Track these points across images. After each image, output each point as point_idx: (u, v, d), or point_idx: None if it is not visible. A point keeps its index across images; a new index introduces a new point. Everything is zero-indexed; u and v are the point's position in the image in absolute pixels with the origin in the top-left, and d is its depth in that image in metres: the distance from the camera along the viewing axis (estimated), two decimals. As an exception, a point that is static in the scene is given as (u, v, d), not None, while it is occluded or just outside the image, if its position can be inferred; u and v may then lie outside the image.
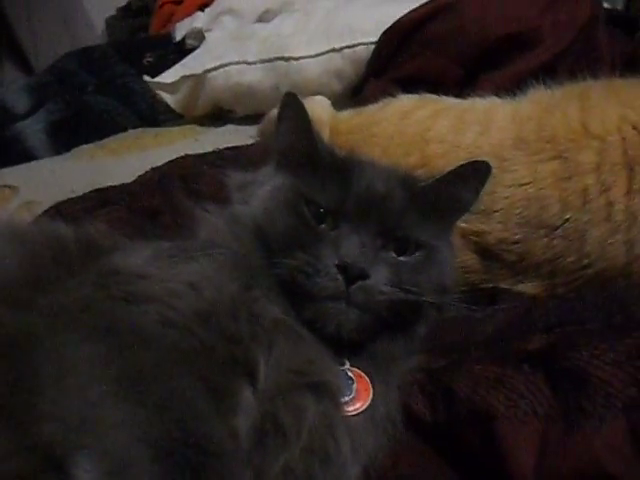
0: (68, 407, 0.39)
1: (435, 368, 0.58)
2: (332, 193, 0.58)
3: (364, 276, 0.53)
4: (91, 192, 0.93)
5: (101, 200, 0.89)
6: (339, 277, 0.53)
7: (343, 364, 0.54)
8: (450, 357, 0.59)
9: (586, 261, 0.72)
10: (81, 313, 0.46)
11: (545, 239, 0.74)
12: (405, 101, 1.01)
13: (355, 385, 0.53)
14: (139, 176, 1.01)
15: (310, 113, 1.06)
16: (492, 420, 0.48)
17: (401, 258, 0.57)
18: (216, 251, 0.56)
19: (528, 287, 0.76)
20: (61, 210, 0.85)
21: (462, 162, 0.81)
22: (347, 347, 0.55)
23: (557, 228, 0.73)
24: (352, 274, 0.53)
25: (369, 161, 0.65)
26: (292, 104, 0.63)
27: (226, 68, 1.29)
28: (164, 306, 0.48)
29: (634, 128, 0.75)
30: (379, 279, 0.54)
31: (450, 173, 0.62)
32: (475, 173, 0.63)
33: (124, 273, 0.52)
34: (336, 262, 0.53)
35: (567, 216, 0.73)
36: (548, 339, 0.54)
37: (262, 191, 0.61)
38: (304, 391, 0.49)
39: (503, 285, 0.77)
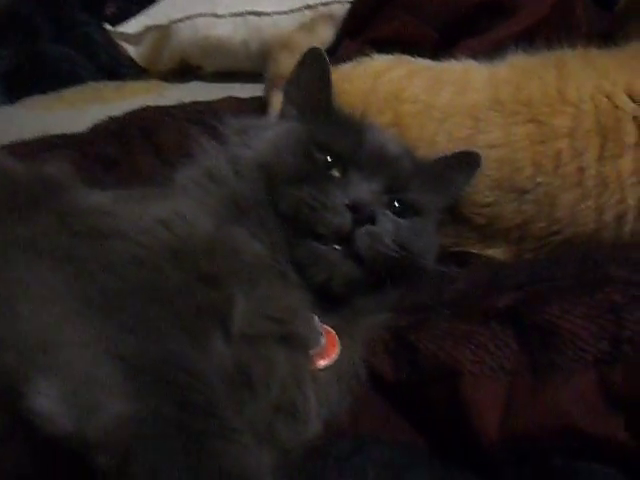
0: (22, 331, 0.35)
1: (400, 326, 0.56)
2: (345, 143, 0.58)
3: (372, 219, 0.53)
4: (41, 137, 0.86)
5: (50, 144, 0.83)
6: (347, 215, 0.52)
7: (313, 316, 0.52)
8: (416, 316, 0.58)
9: (556, 227, 0.72)
10: (39, 243, 0.42)
11: (515, 203, 0.73)
12: (380, 61, 0.98)
13: (323, 339, 0.50)
14: (94, 124, 0.95)
15: (278, 67, 1.02)
16: (457, 376, 0.46)
17: (400, 220, 0.57)
18: (193, 189, 0.55)
19: (497, 252, 0.75)
20: (10, 151, 0.79)
21: (435, 122, 0.80)
22: (323, 298, 0.52)
23: (528, 192, 0.72)
24: (362, 214, 0.52)
25: (380, 127, 0.67)
26: (316, 58, 0.65)
27: (194, 20, 1.23)
28: (131, 243, 0.45)
29: (607, 97, 0.75)
30: (385, 229, 0.54)
31: (446, 157, 0.67)
32: (468, 161, 0.68)
33: (87, 210, 0.49)
34: (346, 201, 0.52)
35: (539, 180, 0.72)
36: (517, 296, 0.52)
37: (268, 134, 0.61)
38: (277, 342, 0.46)
39: (472, 249, 0.76)
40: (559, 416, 0.41)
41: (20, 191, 0.50)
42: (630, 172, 0.70)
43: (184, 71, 1.37)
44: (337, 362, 0.50)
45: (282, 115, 0.67)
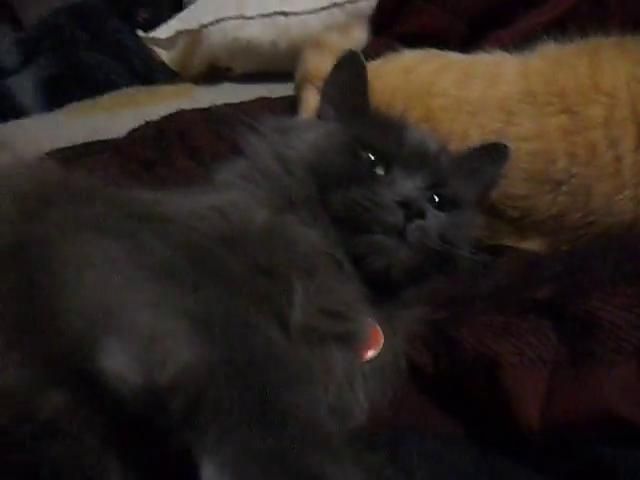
0: (88, 298, 0.36)
1: (438, 319, 0.57)
2: (387, 142, 0.60)
3: (423, 215, 0.55)
4: (83, 143, 0.90)
5: (92, 150, 0.86)
6: (399, 212, 0.53)
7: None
8: (453, 309, 0.58)
9: (591, 218, 0.71)
10: (101, 223, 0.43)
11: (550, 195, 0.73)
12: (409, 56, 0.98)
13: (370, 332, 0.51)
14: (132, 129, 0.98)
15: (309, 66, 1.03)
16: (497, 368, 0.47)
17: (442, 214, 0.59)
18: (241, 182, 0.57)
19: (531, 244, 0.75)
20: (54, 157, 0.82)
21: (467, 116, 0.81)
22: (369, 291, 0.53)
23: (563, 183, 0.72)
24: (413, 210, 0.54)
25: (416, 124, 0.69)
26: (353, 61, 0.67)
27: (223, 23, 1.25)
28: (185, 227, 0.46)
29: (643, 84, 0.73)
30: (433, 223, 0.56)
31: (476, 149, 0.69)
32: (498, 153, 0.69)
33: (139, 200, 0.50)
34: (396, 198, 0.54)
35: (574, 171, 0.71)
36: (555, 288, 0.53)
37: (309, 135, 0.62)
38: (335, 340, 0.47)
39: (506, 242, 0.76)
40: (601, 405, 0.41)
41: (71, 187, 0.51)
42: (668, 160, 0.69)
43: (214, 73, 1.39)
44: (380, 354, 0.51)
45: (319, 115, 0.68)
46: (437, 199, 0.60)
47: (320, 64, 1.05)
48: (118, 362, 0.33)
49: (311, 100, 1.00)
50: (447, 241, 0.56)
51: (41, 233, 0.41)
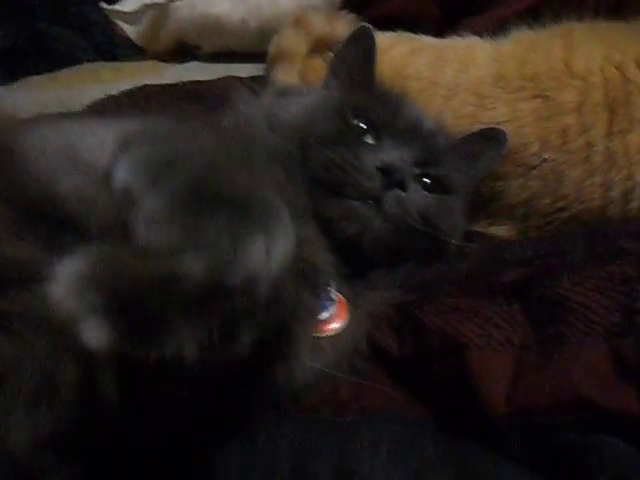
0: (49, 146, 0.40)
1: (404, 302, 0.55)
2: (381, 113, 0.59)
3: (402, 185, 0.53)
4: (38, 116, 0.84)
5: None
6: (378, 178, 0.52)
7: (328, 283, 0.50)
8: (421, 292, 0.57)
9: (562, 203, 0.71)
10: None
11: (521, 179, 0.72)
12: (382, 38, 0.95)
13: (334, 307, 0.49)
14: (92, 102, 0.93)
15: (283, 43, 1.01)
16: (463, 349, 0.45)
17: (429, 194, 0.57)
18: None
19: (501, 229, 0.74)
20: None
21: (440, 99, 0.79)
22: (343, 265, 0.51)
23: (534, 168, 0.71)
24: (393, 178, 0.52)
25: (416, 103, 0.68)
26: (366, 35, 0.68)
27: (192, -2, 1.20)
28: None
29: (617, 69, 0.73)
30: (413, 199, 0.54)
31: (474, 135, 0.68)
32: (495, 139, 0.68)
33: None
34: (377, 164, 0.52)
35: (545, 156, 0.71)
36: (524, 271, 0.51)
37: (305, 99, 0.63)
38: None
39: (476, 227, 0.74)
40: (569, 388, 0.40)
41: None
42: (638, 148, 0.69)
43: (182, 52, 1.34)
44: (342, 332, 0.49)
45: (324, 85, 0.68)
46: (428, 181, 0.58)
47: (295, 44, 1.03)
48: (75, 180, 0.36)
49: (282, 77, 0.98)
50: (430, 223, 0.54)
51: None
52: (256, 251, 0.29)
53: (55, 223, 0.36)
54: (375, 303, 0.53)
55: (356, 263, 0.52)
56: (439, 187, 0.59)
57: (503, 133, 0.68)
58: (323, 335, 0.47)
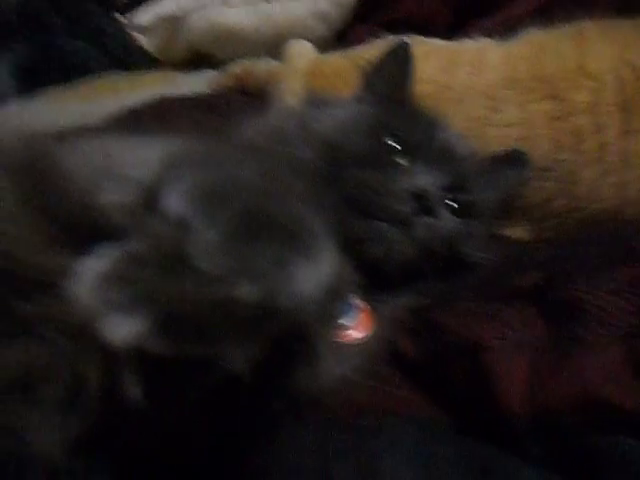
0: (88, 164, 0.42)
1: (421, 306, 0.56)
2: (416, 134, 0.59)
3: (434, 213, 0.53)
4: (58, 131, 0.86)
5: (65, 137, 0.83)
6: (410, 203, 0.51)
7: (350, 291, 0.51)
8: (437, 297, 0.57)
9: (577, 204, 0.70)
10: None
11: (536, 181, 0.72)
12: (392, 42, 0.97)
13: (357, 315, 0.50)
14: (109, 115, 0.95)
15: (288, 58, 1.02)
16: (480, 351, 0.46)
17: (456, 219, 0.57)
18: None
19: (517, 231, 0.74)
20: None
21: (451, 102, 0.79)
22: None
23: (549, 170, 0.71)
24: (425, 205, 0.52)
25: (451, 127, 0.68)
26: (404, 53, 0.69)
27: (205, 9, 1.22)
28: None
29: (630, 68, 0.73)
30: (442, 224, 0.54)
31: (495, 156, 0.67)
32: (517, 161, 0.68)
33: None
34: (411, 189, 0.52)
35: (559, 157, 0.71)
36: (541, 275, 0.52)
37: (338, 112, 0.62)
38: None
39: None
40: (585, 389, 0.40)
41: None
42: (653, 147, 0.69)
43: (197, 61, 1.36)
44: (366, 340, 0.50)
45: (357, 98, 0.67)
46: (455, 205, 0.58)
47: (304, 54, 1.05)
48: (116, 192, 0.37)
49: (295, 88, 0.99)
50: (456, 248, 0.55)
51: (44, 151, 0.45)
52: (304, 278, 0.31)
53: (92, 234, 0.36)
54: (393, 308, 0.54)
55: (375, 277, 0.52)
56: (466, 212, 0.58)
57: (525, 156, 0.68)
58: (347, 342, 0.48)
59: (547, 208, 0.72)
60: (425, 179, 0.54)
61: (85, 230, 0.37)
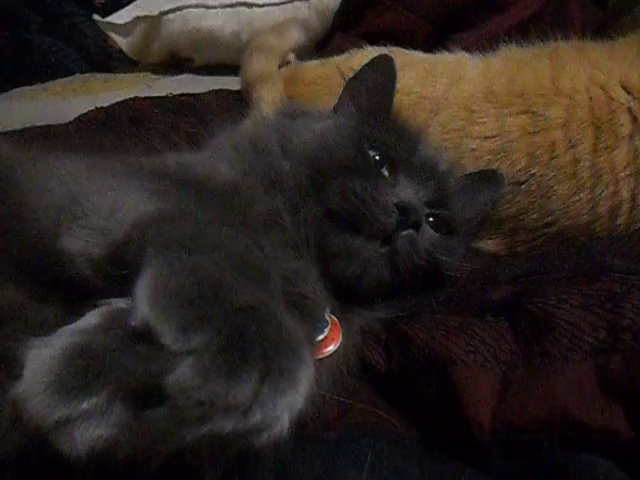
0: (52, 196, 0.38)
1: (392, 318, 0.55)
2: (399, 147, 0.58)
3: (417, 226, 0.53)
4: (25, 128, 0.84)
5: (34, 135, 0.81)
6: (395, 215, 0.51)
7: (325, 307, 0.50)
8: (410, 310, 0.56)
9: (549, 218, 0.71)
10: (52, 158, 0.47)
11: (509, 194, 0.72)
12: (373, 52, 0.97)
13: (328, 329, 0.49)
14: (80, 114, 0.93)
15: (257, 69, 1.02)
16: (450, 365, 0.45)
17: (435, 233, 0.57)
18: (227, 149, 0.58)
19: (489, 244, 0.74)
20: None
21: (429, 114, 0.79)
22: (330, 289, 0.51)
23: (522, 183, 0.71)
24: (410, 218, 0.52)
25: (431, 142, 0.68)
26: (386, 65, 0.67)
27: (184, 11, 1.21)
28: (149, 171, 0.48)
29: (602, 88, 0.74)
30: (424, 239, 0.54)
31: (474, 174, 0.67)
32: (495, 179, 0.68)
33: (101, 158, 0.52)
34: (395, 200, 0.52)
35: (533, 171, 0.71)
36: (513, 289, 0.51)
37: (318, 126, 0.61)
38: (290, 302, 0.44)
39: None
40: (554, 406, 0.39)
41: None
42: (624, 164, 0.70)
43: (175, 64, 1.35)
44: (333, 352, 0.49)
45: (336, 109, 0.67)
46: (432, 219, 0.58)
47: (269, 64, 1.05)
48: (81, 240, 0.35)
49: (267, 97, 0.98)
50: (434, 262, 0.54)
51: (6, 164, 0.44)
52: (282, 407, 0.29)
53: (47, 273, 0.36)
54: (365, 319, 0.53)
55: (349, 290, 0.52)
56: (444, 227, 0.59)
57: (502, 176, 0.68)
58: (321, 357, 0.47)
59: (520, 221, 0.72)
60: (409, 192, 0.54)
61: (40, 268, 0.36)
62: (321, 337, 0.48)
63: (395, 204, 0.51)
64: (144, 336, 0.29)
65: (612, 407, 0.38)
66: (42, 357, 0.28)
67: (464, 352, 0.46)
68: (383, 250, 0.51)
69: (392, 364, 0.51)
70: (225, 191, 0.48)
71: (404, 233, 0.52)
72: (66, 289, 0.36)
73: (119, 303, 0.32)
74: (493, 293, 0.53)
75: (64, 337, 0.29)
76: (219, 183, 0.49)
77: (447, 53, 0.92)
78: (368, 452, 0.39)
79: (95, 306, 0.32)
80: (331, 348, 0.48)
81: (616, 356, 0.40)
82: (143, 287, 0.30)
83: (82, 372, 0.28)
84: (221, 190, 0.48)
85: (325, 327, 0.49)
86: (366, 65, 0.69)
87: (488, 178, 0.69)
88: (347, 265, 0.51)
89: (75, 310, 0.34)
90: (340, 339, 0.49)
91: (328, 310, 0.50)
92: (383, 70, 0.68)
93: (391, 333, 0.53)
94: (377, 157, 0.57)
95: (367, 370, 0.51)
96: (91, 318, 0.30)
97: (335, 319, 0.50)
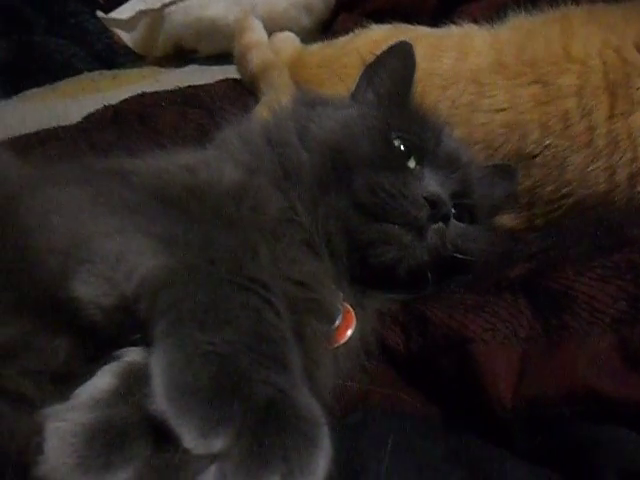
0: (57, 236, 0.37)
1: (410, 299, 0.55)
2: (424, 138, 0.57)
3: (447, 218, 0.53)
4: (36, 131, 0.85)
5: (44, 137, 0.81)
6: (425, 208, 0.51)
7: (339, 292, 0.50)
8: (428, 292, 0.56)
9: (566, 190, 0.69)
10: (65, 176, 0.45)
11: (524, 168, 0.70)
12: (378, 31, 0.96)
13: (341, 316, 0.49)
14: (89, 114, 0.93)
15: (272, 51, 1.01)
16: (469, 344, 0.45)
17: (461, 224, 0.57)
18: (235, 144, 0.57)
19: (506, 219, 0.73)
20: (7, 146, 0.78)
21: (438, 89, 0.78)
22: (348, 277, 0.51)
23: (536, 155, 0.70)
24: (439, 211, 0.51)
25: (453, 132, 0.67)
26: (407, 52, 0.66)
27: (186, 2, 1.20)
28: (154, 179, 0.47)
29: (615, 52, 0.72)
30: (452, 231, 0.54)
31: (489, 167, 0.66)
32: (507, 174, 0.67)
33: (102, 160, 0.53)
34: (424, 194, 0.52)
35: (547, 142, 0.70)
36: (530, 266, 0.51)
37: (339, 114, 0.60)
38: (304, 309, 0.45)
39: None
40: (576, 380, 0.39)
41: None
42: (642, 129, 0.67)
43: (181, 56, 1.35)
44: (350, 337, 0.49)
45: (354, 96, 0.65)
46: (454, 211, 0.57)
47: (265, 56, 1.04)
48: (91, 288, 0.34)
49: (276, 82, 0.98)
50: (461, 252, 0.54)
51: (5, 192, 0.42)
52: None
53: (57, 313, 0.35)
54: (381, 301, 0.53)
55: (376, 277, 0.52)
56: (468, 216, 0.58)
57: (515, 170, 0.68)
58: (339, 344, 0.47)
59: (536, 194, 0.71)
60: (436, 185, 0.54)
61: (50, 306, 0.35)
62: (336, 324, 0.49)
63: (425, 197, 0.51)
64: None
65: (635, 378, 0.38)
66: (62, 434, 0.28)
67: (483, 330, 0.45)
68: (417, 240, 0.51)
69: (411, 345, 0.50)
70: (232, 196, 0.47)
71: (434, 227, 0.52)
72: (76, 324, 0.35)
73: (133, 355, 0.32)
74: (511, 271, 0.52)
75: (82, 411, 0.29)
76: (225, 187, 0.48)
77: (454, 27, 0.90)
78: (390, 433, 0.39)
79: (109, 355, 0.32)
80: (349, 333, 0.48)
81: (638, 327, 0.39)
82: (159, 373, 0.29)
83: (106, 451, 0.28)
84: (228, 195, 0.47)
85: (338, 314, 0.49)
86: (385, 52, 0.68)
87: (503, 171, 0.68)
88: (389, 250, 0.50)
89: (86, 343, 0.35)
90: (354, 324, 0.49)
91: (341, 297, 0.50)
92: (402, 57, 0.66)
93: (409, 314, 0.53)
94: (403, 148, 0.56)
95: (387, 352, 0.51)
96: (106, 378, 0.31)
97: (347, 306, 0.50)
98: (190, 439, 0.27)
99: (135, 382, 0.30)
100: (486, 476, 0.36)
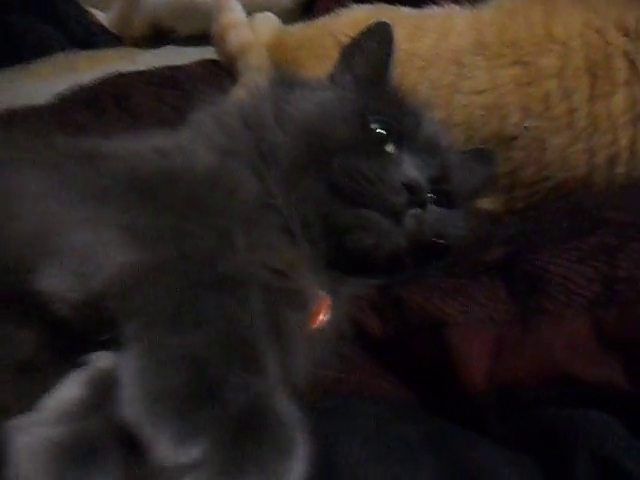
0: (21, 225, 0.35)
1: (386, 283, 0.54)
2: (403, 122, 0.56)
3: (424, 205, 0.52)
4: (5, 109, 0.82)
5: (15, 116, 0.79)
6: (403, 194, 0.50)
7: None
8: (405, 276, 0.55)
9: (546, 172, 0.69)
10: (23, 162, 0.42)
11: (504, 151, 0.70)
12: (358, 11, 0.94)
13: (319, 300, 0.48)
14: (62, 94, 0.91)
15: (250, 33, 0.99)
16: (444, 327, 0.44)
17: (440, 209, 0.56)
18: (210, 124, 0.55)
19: (486, 202, 0.72)
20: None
21: (418, 70, 0.77)
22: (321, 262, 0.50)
23: (516, 138, 0.69)
24: (417, 197, 0.51)
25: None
26: (385, 32, 0.64)
27: (163, -20, 1.17)
28: (126, 163, 0.45)
29: (597, 32, 0.71)
30: (430, 217, 0.53)
31: (468, 152, 0.65)
32: (486, 158, 0.67)
33: (72, 141, 0.50)
34: (403, 180, 0.51)
35: (527, 124, 0.69)
36: (507, 249, 0.50)
37: (317, 95, 0.58)
38: (280, 297, 0.43)
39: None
40: (550, 362, 0.38)
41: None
42: (622, 111, 0.67)
43: (158, 37, 1.31)
44: (324, 322, 0.48)
45: (332, 78, 0.64)
46: (434, 196, 0.56)
47: (244, 36, 1.02)
48: (57, 281, 0.33)
49: (253, 63, 0.96)
50: (440, 238, 0.53)
51: None
52: None
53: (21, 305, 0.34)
54: (356, 285, 0.52)
55: (351, 263, 0.51)
56: (446, 202, 0.57)
57: (494, 154, 0.67)
58: (313, 330, 0.46)
59: (516, 177, 0.70)
60: (414, 170, 0.53)
61: (14, 299, 0.33)
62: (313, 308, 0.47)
63: (403, 183, 0.50)
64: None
65: (609, 361, 0.37)
66: (33, 451, 0.27)
67: (459, 313, 0.45)
68: (395, 226, 0.50)
69: (387, 329, 0.50)
70: (205, 182, 0.46)
71: (412, 212, 0.51)
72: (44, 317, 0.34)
73: (102, 361, 0.30)
74: (488, 254, 0.52)
75: (51, 425, 0.28)
76: (199, 172, 0.47)
77: (436, 7, 0.89)
78: (365, 418, 0.39)
79: (80, 352, 0.31)
80: (321, 318, 0.47)
81: (612, 309, 0.39)
82: (128, 381, 0.28)
83: (78, 468, 0.27)
84: (202, 180, 0.46)
85: (313, 302, 0.48)
86: (362, 32, 0.66)
87: (482, 156, 0.67)
88: (366, 236, 0.50)
89: (56, 335, 0.34)
90: (328, 309, 0.48)
91: (316, 284, 0.49)
92: (380, 37, 0.64)
93: (385, 298, 0.52)
94: (381, 132, 0.55)
95: (363, 337, 0.51)
96: (75, 388, 0.29)
97: (321, 291, 0.49)
98: (163, 449, 0.26)
99: (106, 391, 0.29)
100: (459, 460, 0.36)
